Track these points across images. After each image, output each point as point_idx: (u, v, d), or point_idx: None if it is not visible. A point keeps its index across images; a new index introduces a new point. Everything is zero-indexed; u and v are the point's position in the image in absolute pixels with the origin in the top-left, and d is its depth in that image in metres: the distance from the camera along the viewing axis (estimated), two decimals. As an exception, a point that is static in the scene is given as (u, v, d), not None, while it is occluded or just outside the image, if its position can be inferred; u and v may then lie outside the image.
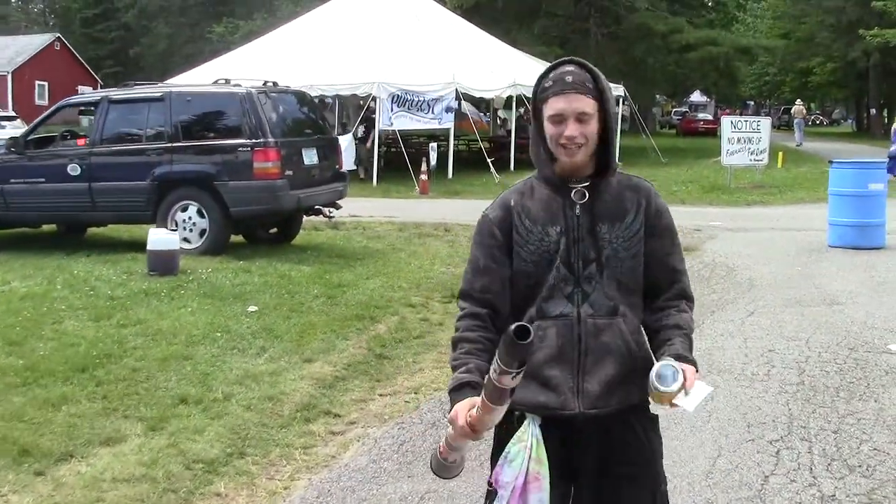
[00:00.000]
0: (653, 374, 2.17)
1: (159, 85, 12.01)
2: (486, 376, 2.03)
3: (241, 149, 9.77)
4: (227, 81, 10.74)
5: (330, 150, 11.19)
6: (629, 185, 2.36)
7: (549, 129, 2.27)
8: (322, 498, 4.07)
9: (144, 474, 4.16)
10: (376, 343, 6.56)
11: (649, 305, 2.36)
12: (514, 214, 2.32)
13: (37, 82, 50.73)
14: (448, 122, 21.03)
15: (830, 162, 12.25)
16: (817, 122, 69.31)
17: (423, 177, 18.47)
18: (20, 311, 7.07)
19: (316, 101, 13.87)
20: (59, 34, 55.48)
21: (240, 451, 4.52)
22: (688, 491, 4.05)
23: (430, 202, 16.98)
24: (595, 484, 2.31)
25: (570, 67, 2.28)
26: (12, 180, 10.51)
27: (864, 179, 11.19)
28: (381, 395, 5.57)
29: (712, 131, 41.57)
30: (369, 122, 20.53)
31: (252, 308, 7.32)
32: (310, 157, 10.42)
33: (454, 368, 2.28)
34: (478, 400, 2.10)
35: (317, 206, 10.87)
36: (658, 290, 2.36)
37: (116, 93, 11.02)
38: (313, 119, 11.43)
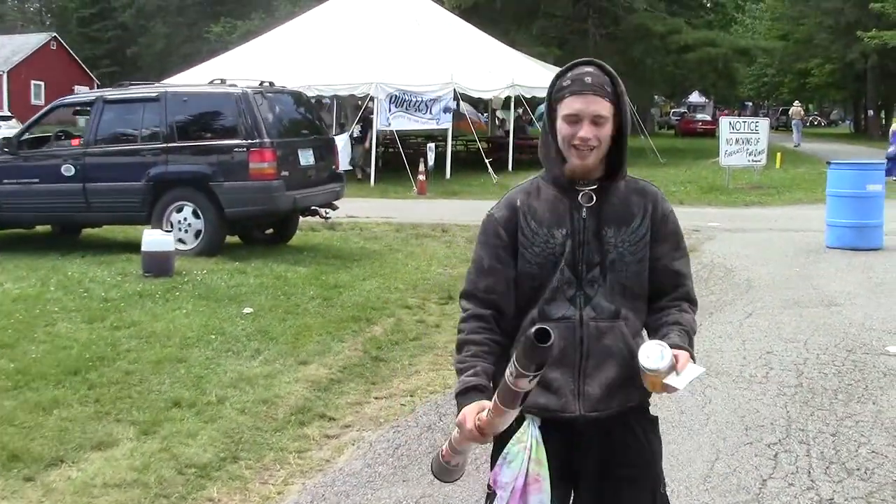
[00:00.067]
0: (640, 352, 2.16)
1: (155, 85, 11.97)
2: (502, 379, 2.01)
3: (236, 149, 9.72)
4: (223, 81, 10.70)
5: (326, 151, 11.14)
6: (636, 188, 2.34)
7: (562, 128, 2.25)
8: (316, 502, 4.03)
9: (136, 479, 4.11)
10: (372, 345, 6.51)
11: (651, 307, 2.35)
12: (520, 215, 2.30)
13: (33, 82, 50.47)
14: (446, 123, 21.01)
15: (828, 163, 12.23)
16: (815, 123, 69.37)
17: (421, 177, 18.42)
18: (12, 314, 7.01)
19: (312, 101, 13.82)
20: (55, 33, 55.28)
21: (233, 455, 4.47)
22: (685, 495, 4.01)
23: (428, 203, 16.95)
24: (596, 486, 2.31)
25: (589, 69, 2.26)
26: (6, 181, 10.46)
27: (862, 180, 11.17)
28: (376, 397, 5.52)
29: (711, 132, 41.57)
30: (366, 122, 20.49)
31: (247, 310, 7.28)
32: (306, 157, 10.38)
33: (460, 372, 2.26)
34: (486, 403, 2.10)
35: (313, 207, 10.84)
36: (662, 294, 2.35)
37: (111, 93, 10.98)
38: (310, 119, 11.39)
